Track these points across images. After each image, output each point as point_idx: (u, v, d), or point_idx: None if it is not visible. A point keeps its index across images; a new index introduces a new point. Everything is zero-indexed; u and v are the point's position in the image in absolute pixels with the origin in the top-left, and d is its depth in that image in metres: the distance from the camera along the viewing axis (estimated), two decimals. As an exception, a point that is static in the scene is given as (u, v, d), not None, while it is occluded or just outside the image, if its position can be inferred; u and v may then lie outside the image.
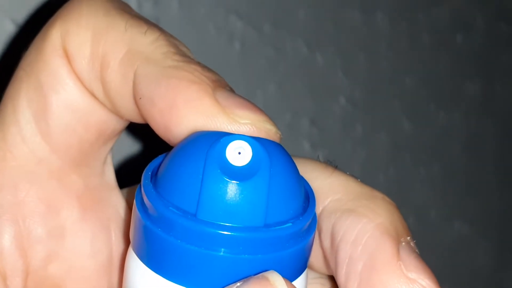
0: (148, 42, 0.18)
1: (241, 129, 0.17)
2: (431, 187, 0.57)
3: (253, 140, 0.16)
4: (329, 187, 0.19)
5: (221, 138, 0.16)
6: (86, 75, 0.18)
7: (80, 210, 0.19)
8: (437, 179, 0.57)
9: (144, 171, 0.18)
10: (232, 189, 0.15)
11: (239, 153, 0.16)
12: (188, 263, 0.16)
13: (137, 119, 0.19)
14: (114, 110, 0.19)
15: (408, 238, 0.18)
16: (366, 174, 0.51)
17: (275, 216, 0.16)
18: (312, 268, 0.20)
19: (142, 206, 0.17)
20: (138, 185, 0.18)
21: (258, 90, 0.45)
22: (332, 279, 0.20)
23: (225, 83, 0.18)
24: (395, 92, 0.54)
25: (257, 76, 0.45)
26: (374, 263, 0.17)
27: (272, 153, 0.16)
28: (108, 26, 0.18)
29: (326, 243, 0.19)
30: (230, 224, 0.15)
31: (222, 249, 0.15)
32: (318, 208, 0.19)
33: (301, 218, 0.17)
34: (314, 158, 0.47)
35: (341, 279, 0.18)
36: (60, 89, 0.18)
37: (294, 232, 0.17)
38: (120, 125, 0.20)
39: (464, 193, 0.60)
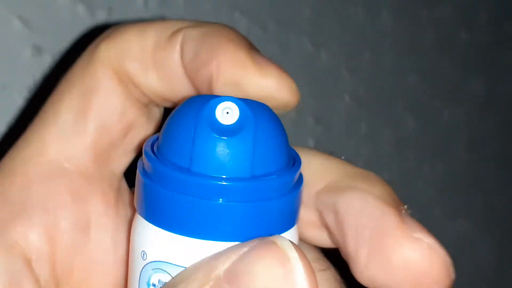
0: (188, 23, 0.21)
1: (268, 82, 0.20)
2: (434, 185, 0.57)
3: (241, 101, 0.18)
4: (326, 168, 0.21)
5: (211, 100, 0.18)
6: (135, 71, 0.21)
7: (104, 207, 0.21)
8: (440, 176, 0.58)
9: (145, 141, 0.20)
10: (221, 144, 0.17)
11: (227, 112, 0.18)
12: (184, 212, 0.17)
13: (183, 91, 0.21)
14: (165, 91, 0.21)
15: (405, 207, 0.21)
16: (370, 171, 0.51)
17: (261, 169, 0.18)
18: (315, 242, 0.21)
19: (143, 169, 0.19)
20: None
21: (263, 88, 0.45)
22: (333, 261, 0.21)
23: (258, 50, 0.21)
24: (399, 89, 0.54)
25: (262, 73, 0.45)
26: (382, 228, 0.18)
27: (259, 113, 0.19)
28: (148, 25, 0.21)
29: (330, 219, 0.20)
30: (220, 176, 0.17)
31: (214, 197, 0.17)
32: (317, 188, 0.21)
33: (285, 171, 0.19)
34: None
35: (350, 248, 0.19)
36: (102, 93, 0.20)
37: (280, 183, 0.18)
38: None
39: (467, 191, 0.61)
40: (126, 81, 0.20)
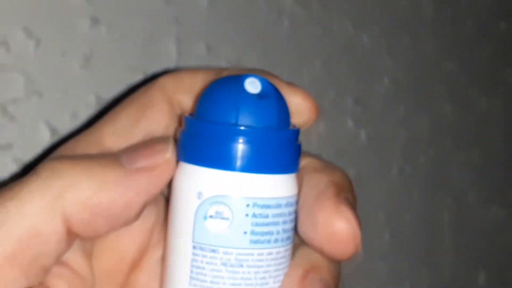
0: None
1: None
2: (470, 171, 0.57)
3: (261, 77, 0.23)
4: (307, 160, 0.25)
5: (239, 77, 0.23)
6: (185, 99, 0.26)
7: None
8: (476, 163, 0.58)
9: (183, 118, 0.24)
10: (260, 105, 0.23)
11: (254, 84, 0.23)
12: (235, 154, 0.22)
13: None
14: None
15: (350, 195, 0.24)
16: (407, 154, 0.52)
17: (283, 124, 0.23)
18: None
19: (193, 128, 0.23)
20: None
21: (304, 67, 0.46)
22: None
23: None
24: (438, 75, 0.55)
25: (304, 53, 0.46)
26: (319, 198, 0.23)
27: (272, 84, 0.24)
28: (200, 69, 0.26)
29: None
30: (259, 126, 0.23)
31: (257, 141, 0.22)
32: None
33: (294, 127, 0.24)
34: (357, 136, 0.48)
35: (298, 208, 0.24)
36: (155, 109, 0.25)
37: (295, 133, 0.24)
38: None
39: (503, 179, 0.61)
40: (175, 106, 0.26)
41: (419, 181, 0.53)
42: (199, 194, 0.22)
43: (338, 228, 0.23)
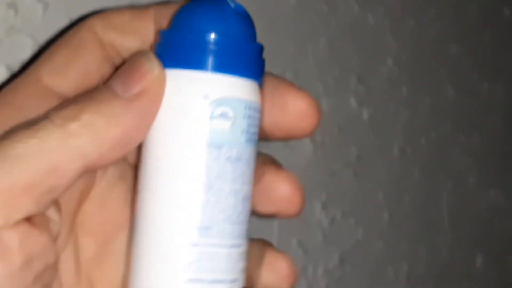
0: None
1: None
2: (470, 155, 0.58)
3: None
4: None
5: None
6: (115, 36, 0.27)
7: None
8: (476, 147, 0.58)
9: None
10: (240, 18, 0.25)
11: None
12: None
13: None
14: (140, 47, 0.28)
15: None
16: (408, 135, 0.52)
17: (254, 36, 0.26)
18: None
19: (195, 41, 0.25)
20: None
21: (309, 44, 0.46)
22: None
23: None
24: (441, 58, 0.55)
25: (309, 30, 0.46)
26: (282, 88, 0.27)
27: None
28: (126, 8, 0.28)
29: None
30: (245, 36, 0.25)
31: (254, 50, 0.25)
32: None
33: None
34: (359, 115, 0.48)
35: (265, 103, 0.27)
36: (87, 47, 0.26)
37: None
38: None
39: (502, 163, 0.61)
40: (106, 45, 0.27)
41: (419, 163, 0.53)
42: (206, 96, 0.24)
43: (305, 104, 0.26)
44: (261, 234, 0.42)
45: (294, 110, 0.26)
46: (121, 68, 0.24)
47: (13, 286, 0.23)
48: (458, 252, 0.57)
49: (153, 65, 0.24)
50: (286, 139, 0.28)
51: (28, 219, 0.23)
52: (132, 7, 0.27)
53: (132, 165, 0.28)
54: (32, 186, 0.22)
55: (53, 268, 0.24)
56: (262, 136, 0.26)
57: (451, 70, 0.56)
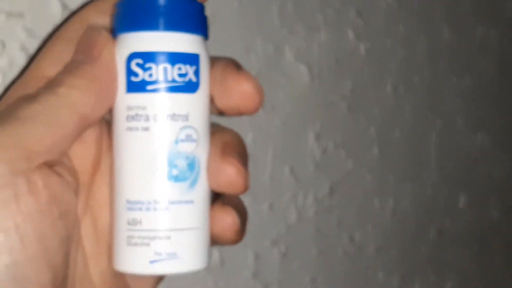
0: None
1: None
2: (460, 96, 0.58)
3: None
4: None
5: None
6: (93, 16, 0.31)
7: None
8: (467, 89, 0.59)
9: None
10: None
11: None
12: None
13: None
14: None
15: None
16: (402, 73, 0.53)
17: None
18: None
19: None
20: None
21: (312, -26, 0.46)
22: None
23: None
24: (439, -1, 0.55)
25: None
26: (226, 70, 0.30)
27: None
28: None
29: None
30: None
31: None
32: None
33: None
34: (356, 49, 0.49)
35: (216, 85, 0.30)
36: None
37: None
38: None
39: (491, 107, 0.62)
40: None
41: (411, 100, 0.54)
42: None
43: (246, 87, 0.29)
44: (255, 161, 0.43)
45: (238, 94, 0.29)
46: (78, 44, 0.29)
47: (42, 219, 0.26)
48: (443, 191, 0.58)
49: (100, 33, 0.29)
50: (238, 115, 0.30)
51: (48, 165, 0.27)
52: None
53: None
54: (41, 137, 0.27)
55: (74, 214, 0.28)
56: (218, 113, 0.30)
57: (448, 11, 0.56)
